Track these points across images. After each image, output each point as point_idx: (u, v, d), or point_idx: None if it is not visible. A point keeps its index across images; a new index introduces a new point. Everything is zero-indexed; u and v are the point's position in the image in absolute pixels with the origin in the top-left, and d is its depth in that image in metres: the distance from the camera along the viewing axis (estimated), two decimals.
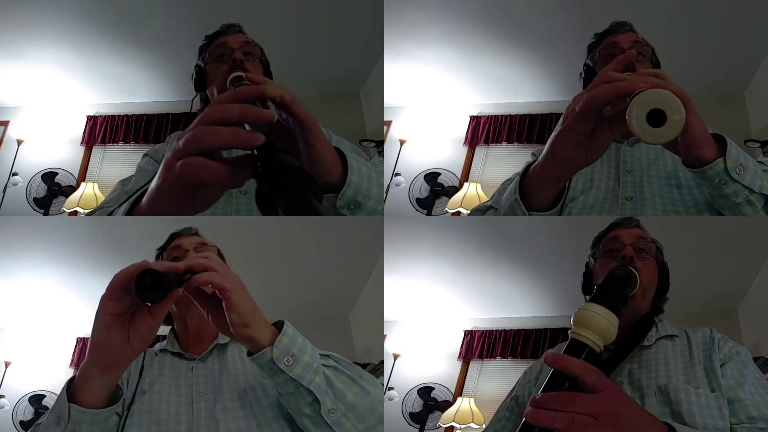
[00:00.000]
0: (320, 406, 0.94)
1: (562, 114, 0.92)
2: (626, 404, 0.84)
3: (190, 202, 0.75)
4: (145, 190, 0.79)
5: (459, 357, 3.71)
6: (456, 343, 3.71)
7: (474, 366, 3.72)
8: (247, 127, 0.74)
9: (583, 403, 0.80)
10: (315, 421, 0.96)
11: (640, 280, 1.15)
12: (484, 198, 3.26)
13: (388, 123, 3.44)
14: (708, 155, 0.97)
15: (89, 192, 3.30)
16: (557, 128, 0.92)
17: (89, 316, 0.84)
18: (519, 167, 1.04)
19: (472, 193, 3.36)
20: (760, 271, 3.22)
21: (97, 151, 3.47)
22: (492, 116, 3.50)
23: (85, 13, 2.82)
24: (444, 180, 3.51)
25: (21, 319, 3.48)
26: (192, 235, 1.30)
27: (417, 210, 3.48)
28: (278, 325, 0.95)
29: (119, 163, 3.44)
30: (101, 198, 3.26)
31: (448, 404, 3.60)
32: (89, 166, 3.45)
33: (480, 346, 3.69)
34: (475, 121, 3.52)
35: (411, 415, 3.62)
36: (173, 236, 1.30)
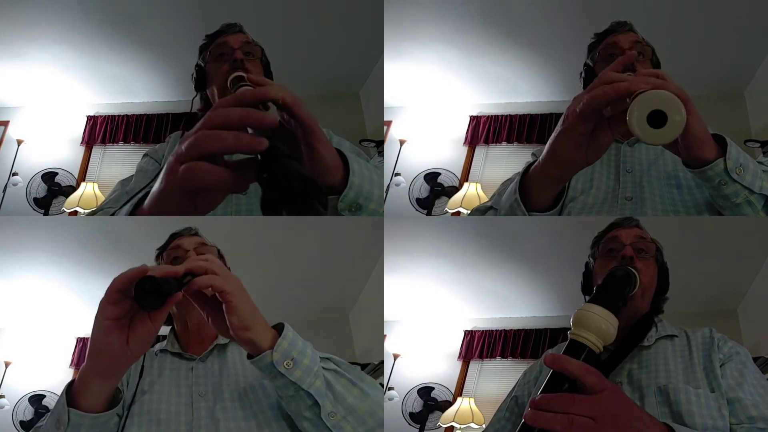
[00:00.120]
0: (320, 410, 0.94)
1: (562, 114, 0.92)
2: (625, 405, 0.84)
3: (192, 206, 0.75)
4: (147, 192, 0.79)
5: (459, 357, 3.71)
6: (456, 343, 3.71)
7: (474, 366, 3.72)
8: (249, 130, 0.74)
9: (583, 405, 0.80)
10: (315, 424, 0.96)
11: (640, 280, 1.15)
12: (484, 198, 3.25)
13: (388, 123, 3.44)
14: (708, 155, 0.97)
15: (89, 192, 3.30)
16: (557, 129, 0.92)
17: (89, 316, 0.84)
18: (519, 167, 1.04)
19: (472, 193, 3.35)
20: (760, 271, 3.22)
21: (97, 151, 3.47)
22: (492, 116, 3.50)
23: (85, 13, 2.82)
24: (444, 180, 3.51)
25: (21, 319, 3.48)
26: (192, 235, 1.30)
27: (417, 210, 3.48)
28: (278, 328, 0.94)
29: (119, 163, 3.44)
30: (101, 198, 3.25)
31: (448, 404, 3.60)
32: (89, 166, 3.45)
33: (480, 346, 3.69)
34: (475, 121, 3.52)
35: (411, 415, 3.62)
36: (173, 236, 1.30)
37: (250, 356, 0.93)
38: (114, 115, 3.44)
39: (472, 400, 3.54)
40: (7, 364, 3.51)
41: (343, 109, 3.28)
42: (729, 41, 2.92)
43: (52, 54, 3.03)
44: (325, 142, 0.87)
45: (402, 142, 3.46)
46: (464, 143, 3.53)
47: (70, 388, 0.91)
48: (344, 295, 3.44)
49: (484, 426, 3.43)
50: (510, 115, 3.49)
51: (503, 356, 3.67)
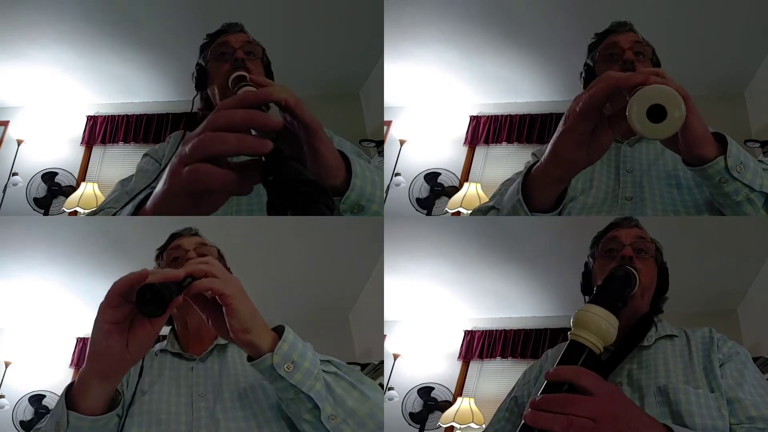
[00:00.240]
0: (320, 412, 0.94)
1: (562, 114, 0.92)
2: (625, 406, 0.84)
3: (195, 207, 0.75)
4: (149, 193, 0.79)
5: (459, 357, 3.71)
6: (456, 343, 3.71)
7: (474, 366, 3.72)
8: (252, 132, 0.73)
9: (582, 406, 0.80)
10: (315, 426, 0.96)
11: (640, 280, 1.15)
12: (484, 198, 3.26)
13: (388, 123, 3.44)
14: (708, 153, 0.97)
15: (89, 192, 3.30)
16: (559, 129, 0.92)
17: (89, 316, 0.84)
18: (519, 167, 1.04)
19: (472, 193, 3.36)
20: (760, 271, 3.22)
21: (97, 151, 3.47)
22: (492, 116, 3.50)
23: (85, 13, 2.82)
24: (444, 180, 3.51)
25: (21, 319, 3.48)
26: (192, 235, 1.30)
27: (417, 210, 3.48)
28: (278, 330, 0.94)
29: (119, 163, 3.44)
30: (101, 198, 3.25)
31: (448, 404, 3.60)
32: (89, 166, 3.45)
33: (480, 346, 3.69)
34: (475, 121, 3.52)
35: (411, 415, 3.62)
36: (173, 236, 1.30)
37: (250, 359, 0.93)
38: (114, 115, 3.44)
39: (472, 400, 3.54)
40: (7, 364, 3.51)
41: (343, 109, 3.28)
42: (729, 41, 2.92)
43: (52, 54, 3.03)
44: (327, 144, 0.87)
45: (402, 142, 3.46)
46: (464, 143, 3.53)
47: (69, 390, 0.91)
48: (344, 295, 3.44)
49: (484, 426, 3.43)
50: (510, 115, 3.49)
51: (503, 356, 3.67)
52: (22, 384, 3.50)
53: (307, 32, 2.90)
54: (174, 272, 0.86)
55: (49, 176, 3.41)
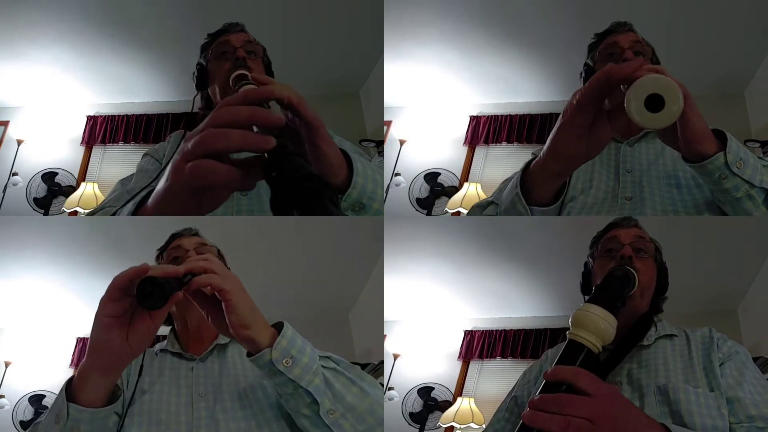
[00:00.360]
0: (319, 407, 0.95)
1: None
2: (623, 406, 0.84)
3: (197, 204, 0.75)
4: (150, 191, 0.79)
5: (459, 357, 3.71)
6: (456, 343, 3.71)
7: (474, 366, 3.72)
8: (254, 128, 0.73)
9: (580, 406, 0.80)
10: (314, 421, 0.96)
11: (639, 280, 1.15)
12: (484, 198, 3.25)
13: (388, 123, 3.44)
14: (708, 150, 0.97)
15: (89, 192, 3.31)
16: (557, 123, 0.92)
17: (89, 316, 0.84)
18: (519, 167, 1.04)
19: (472, 193, 3.36)
20: (760, 271, 3.22)
21: (97, 151, 3.47)
22: (492, 116, 3.50)
23: (85, 13, 2.82)
24: (444, 180, 3.51)
25: (21, 319, 3.48)
26: (192, 235, 1.30)
27: (417, 210, 3.48)
28: (278, 327, 0.95)
29: (119, 163, 3.44)
30: (101, 198, 3.25)
31: (448, 404, 3.61)
32: (89, 166, 3.45)
33: (480, 346, 3.69)
34: (475, 121, 3.52)
35: (411, 415, 3.62)
36: (173, 236, 1.30)
37: (249, 354, 0.94)
38: (114, 115, 3.44)
39: (472, 400, 3.54)
40: (7, 364, 3.52)
41: (343, 109, 3.29)
42: (729, 41, 2.92)
43: (52, 54, 3.03)
44: (329, 142, 0.87)
45: (402, 142, 3.46)
46: (464, 143, 3.53)
47: (69, 384, 0.92)
48: (344, 295, 3.45)
49: (483, 426, 3.43)
50: (510, 115, 3.49)
51: (503, 356, 3.67)
52: (22, 384, 3.50)
53: (307, 32, 2.90)
54: (174, 268, 0.87)
55: (49, 176, 3.41)
